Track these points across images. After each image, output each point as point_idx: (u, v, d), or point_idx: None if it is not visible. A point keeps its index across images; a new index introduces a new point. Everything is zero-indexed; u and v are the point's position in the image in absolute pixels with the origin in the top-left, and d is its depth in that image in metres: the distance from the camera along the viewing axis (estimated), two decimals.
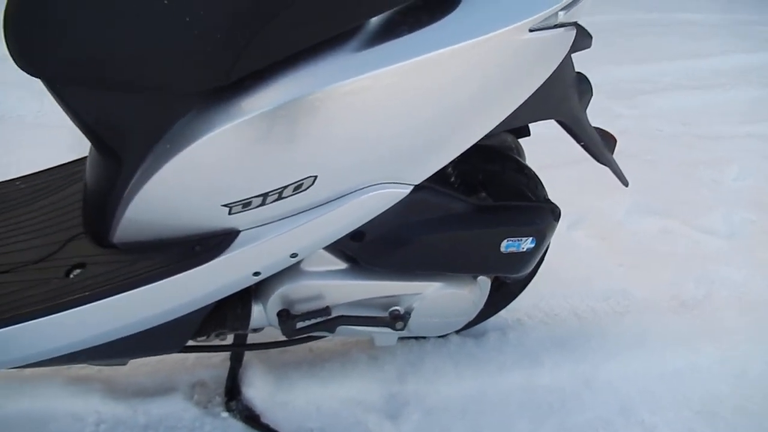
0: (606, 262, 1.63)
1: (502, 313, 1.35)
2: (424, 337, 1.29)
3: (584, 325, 1.40)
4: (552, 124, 1.04)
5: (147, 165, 0.80)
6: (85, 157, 1.18)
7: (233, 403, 1.15)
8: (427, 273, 1.00)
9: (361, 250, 0.94)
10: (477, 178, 1.07)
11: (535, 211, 1.02)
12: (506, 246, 0.98)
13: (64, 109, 0.85)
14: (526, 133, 1.17)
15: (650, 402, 1.21)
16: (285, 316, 0.94)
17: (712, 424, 1.17)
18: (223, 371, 1.23)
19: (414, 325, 1.04)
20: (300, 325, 0.95)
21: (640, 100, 2.66)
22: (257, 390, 1.16)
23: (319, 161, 0.79)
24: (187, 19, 0.72)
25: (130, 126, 0.80)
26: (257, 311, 0.97)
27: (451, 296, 1.03)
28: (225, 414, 1.14)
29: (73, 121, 0.86)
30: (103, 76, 0.76)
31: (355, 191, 0.84)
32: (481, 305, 1.10)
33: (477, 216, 0.97)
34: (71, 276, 0.88)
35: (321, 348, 1.30)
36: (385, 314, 1.01)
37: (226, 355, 1.25)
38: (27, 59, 0.79)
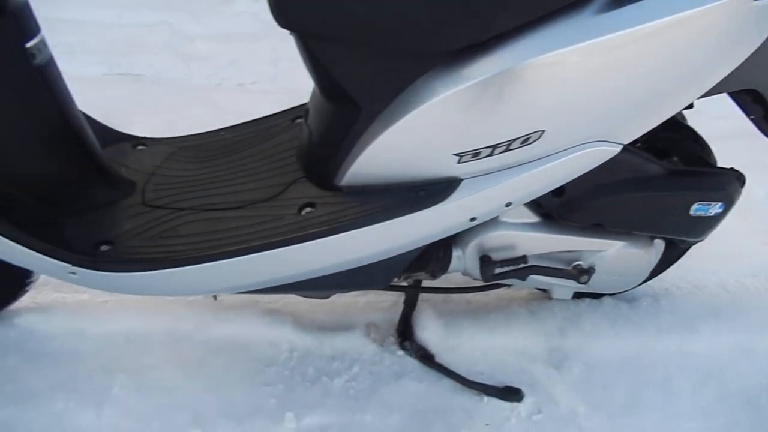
0: (750, 240, 1.62)
1: (650, 282, 1.39)
2: (578, 297, 1.35)
3: (735, 299, 1.42)
4: None
5: (386, 115, 0.89)
6: (277, 113, 1.30)
7: (407, 343, 1.25)
8: (614, 231, 1.06)
9: (559, 205, 1.01)
10: (658, 144, 1.11)
11: (723, 176, 1.06)
12: (695, 210, 1.03)
13: (308, 62, 0.95)
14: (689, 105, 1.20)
15: None
16: (487, 262, 1.03)
17: None
18: (392, 315, 1.34)
19: (593, 281, 1.10)
20: (498, 270, 1.04)
21: None
22: (430, 333, 1.26)
23: (549, 117, 0.86)
24: None
25: (376, 79, 0.89)
26: (456, 257, 1.06)
27: (631, 255, 1.09)
28: (400, 352, 1.25)
29: (314, 73, 0.96)
30: (360, 35, 0.85)
31: (573, 147, 0.90)
32: (653, 267, 1.15)
33: (670, 179, 1.02)
34: (302, 213, 0.99)
35: (479, 301, 1.39)
36: (569, 268, 1.08)
37: (394, 299, 1.36)
38: (285, 15, 0.89)
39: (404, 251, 0.98)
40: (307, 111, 1.09)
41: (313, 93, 1.06)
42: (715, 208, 1.03)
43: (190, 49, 2.44)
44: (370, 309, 1.36)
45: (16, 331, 1.22)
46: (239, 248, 0.95)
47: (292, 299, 1.36)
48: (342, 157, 0.97)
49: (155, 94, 2.11)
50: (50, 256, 0.92)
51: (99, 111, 1.27)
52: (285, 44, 2.66)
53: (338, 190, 1.00)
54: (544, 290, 1.34)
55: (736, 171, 1.08)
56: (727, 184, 1.04)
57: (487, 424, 1.12)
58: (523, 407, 1.15)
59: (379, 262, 0.99)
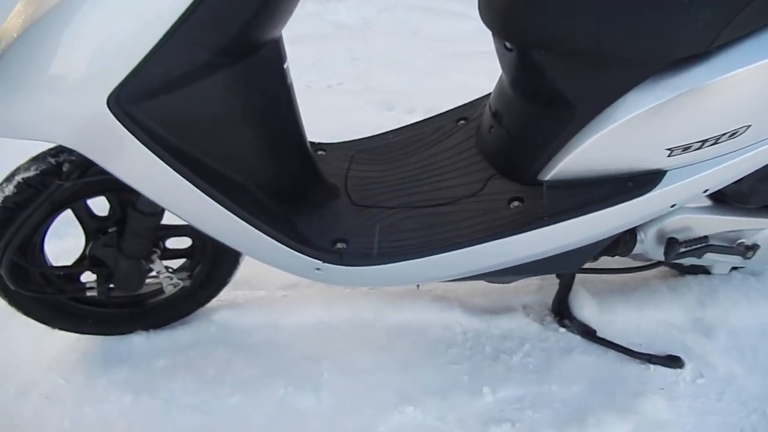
0: None
1: None
2: (708, 272, 1.48)
3: None
4: None
5: (603, 117, 1.00)
6: (437, 116, 1.40)
7: (567, 321, 1.37)
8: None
9: (736, 190, 1.13)
10: None
11: None
12: None
13: (523, 70, 1.05)
14: None
15: None
16: (674, 243, 1.15)
17: None
18: (542, 297, 1.46)
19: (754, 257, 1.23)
20: (682, 250, 1.16)
21: None
22: (587, 311, 1.38)
23: (756, 113, 0.98)
24: None
25: (597, 87, 0.99)
26: (639, 240, 1.18)
27: None
28: (562, 330, 1.37)
29: (527, 80, 1.07)
30: (589, 47, 0.96)
31: (765, 139, 1.02)
32: None
33: None
34: (512, 206, 1.10)
35: (618, 281, 1.51)
36: (735, 245, 1.21)
37: (539, 283, 1.48)
38: (513, 30, 1.00)
39: (606, 237, 1.10)
40: (495, 114, 1.19)
41: (504, 98, 1.17)
42: None
43: None
44: (520, 292, 1.48)
45: (215, 327, 1.33)
46: (464, 240, 1.06)
47: (450, 286, 1.47)
48: (549, 155, 1.07)
49: None
50: (302, 254, 1.03)
51: None
52: (358, 44, 2.75)
53: (539, 184, 1.11)
54: (674, 267, 1.48)
55: None
56: None
57: (661, 389, 1.24)
58: (686, 373, 1.28)
59: (579, 247, 1.11)
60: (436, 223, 1.11)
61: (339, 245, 1.08)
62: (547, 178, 1.10)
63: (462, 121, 1.35)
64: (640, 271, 1.35)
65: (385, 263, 1.06)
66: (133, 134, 0.83)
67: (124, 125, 0.82)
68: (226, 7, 0.82)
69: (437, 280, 1.14)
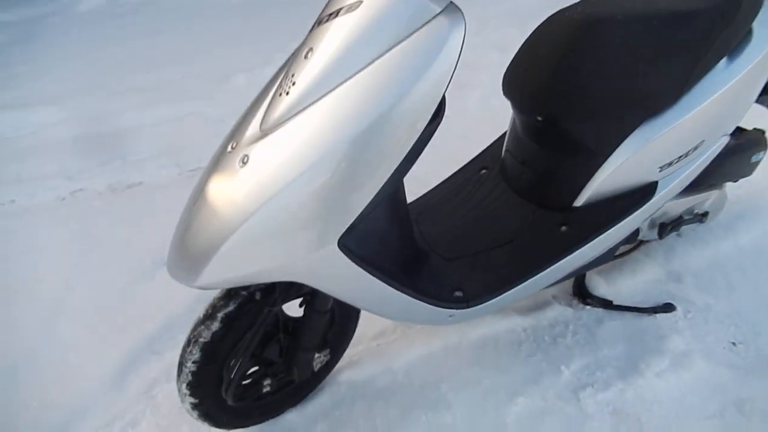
0: None
1: None
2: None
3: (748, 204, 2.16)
4: None
5: (616, 154, 1.43)
6: (461, 170, 1.76)
7: (588, 300, 1.81)
8: (714, 186, 1.71)
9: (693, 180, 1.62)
10: None
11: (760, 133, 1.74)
12: (754, 158, 1.71)
13: (556, 137, 1.45)
14: None
15: None
16: (665, 225, 1.62)
17: None
18: (561, 287, 1.88)
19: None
20: (670, 228, 1.64)
21: None
22: (601, 288, 1.83)
23: (708, 130, 1.45)
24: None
25: (608, 135, 1.41)
26: (640, 230, 1.64)
27: (721, 196, 1.76)
28: (587, 307, 1.81)
29: (556, 140, 1.46)
30: (604, 112, 1.37)
31: (715, 144, 1.51)
32: None
33: (745, 144, 1.67)
34: (562, 230, 1.50)
35: None
36: (693, 215, 1.72)
37: None
38: (538, 109, 1.39)
39: (628, 234, 1.53)
40: (522, 163, 1.58)
41: (529, 150, 1.55)
42: (762, 154, 1.72)
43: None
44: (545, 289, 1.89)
45: (344, 386, 1.59)
46: (543, 264, 1.44)
47: None
48: (579, 187, 1.48)
49: None
50: (441, 308, 1.34)
51: None
52: None
53: (574, 209, 1.52)
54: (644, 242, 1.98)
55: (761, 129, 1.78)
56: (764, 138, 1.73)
57: (671, 329, 1.72)
58: (679, 313, 1.77)
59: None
60: (515, 255, 1.47)
61: (457, 293, 1.40)
62: (580, 204, 1.51)
63: (484, 171, 1.73)
64: (634, 250, 1.83)
65: (496, 296, 1.40)
66: (353, 262, 1.09)
67: (348, 257, 1.07)
68: (417, 150, 1.07)
69: (526, 297, 1.51)
